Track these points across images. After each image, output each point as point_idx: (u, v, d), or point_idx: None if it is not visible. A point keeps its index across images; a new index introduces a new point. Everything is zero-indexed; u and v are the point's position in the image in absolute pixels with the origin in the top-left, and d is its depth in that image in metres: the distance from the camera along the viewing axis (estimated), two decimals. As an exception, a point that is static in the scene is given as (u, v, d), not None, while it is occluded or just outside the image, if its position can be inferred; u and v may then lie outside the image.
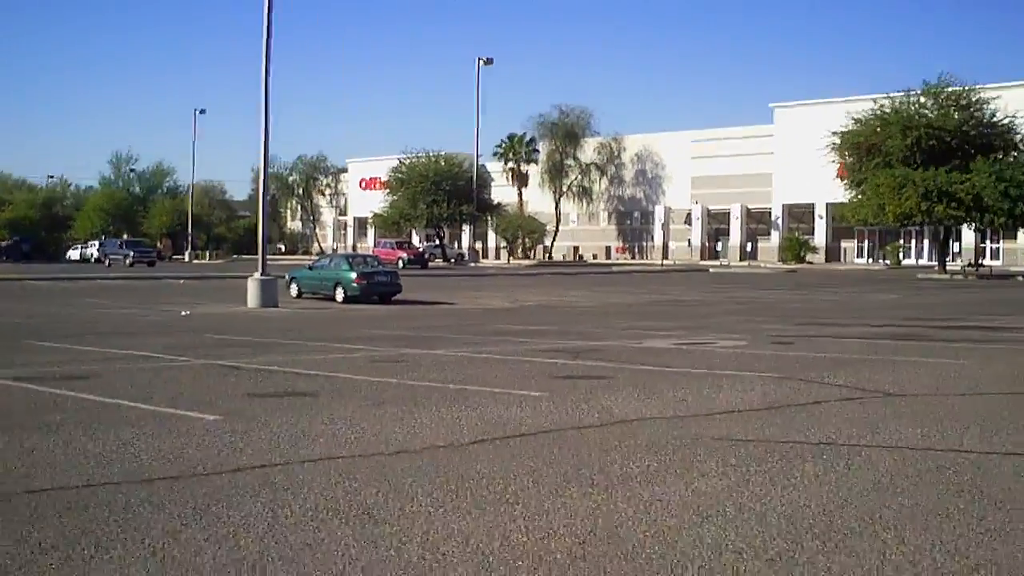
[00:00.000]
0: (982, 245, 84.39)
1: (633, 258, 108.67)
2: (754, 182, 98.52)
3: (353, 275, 40.99)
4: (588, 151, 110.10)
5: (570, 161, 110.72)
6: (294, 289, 43.58)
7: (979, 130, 67.31)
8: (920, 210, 63.12)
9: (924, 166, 64.99)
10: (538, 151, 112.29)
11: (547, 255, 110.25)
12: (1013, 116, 67.89)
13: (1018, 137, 68.41)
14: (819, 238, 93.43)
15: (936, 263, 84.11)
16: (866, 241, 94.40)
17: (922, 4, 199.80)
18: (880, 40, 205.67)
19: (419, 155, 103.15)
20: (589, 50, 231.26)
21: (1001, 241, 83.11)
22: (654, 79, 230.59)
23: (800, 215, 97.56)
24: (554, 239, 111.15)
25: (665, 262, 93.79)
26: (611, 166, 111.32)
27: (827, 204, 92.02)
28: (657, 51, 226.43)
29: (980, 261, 70.78)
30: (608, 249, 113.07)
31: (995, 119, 68.17)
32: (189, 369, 18.53)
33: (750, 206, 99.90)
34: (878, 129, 68.35)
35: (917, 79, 73.05)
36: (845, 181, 72.93)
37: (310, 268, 46.06)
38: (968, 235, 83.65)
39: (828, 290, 51.71)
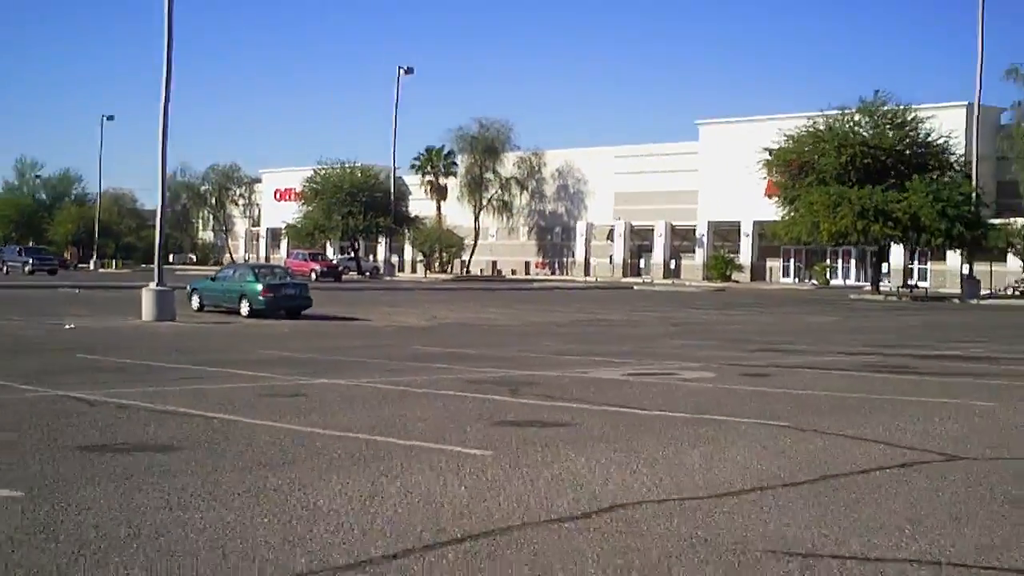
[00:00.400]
0: (910, 266, 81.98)
1: (553, 274, 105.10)
2: (679, 199, 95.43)
3: (259, 287, 37.47)
4: (508, 165, 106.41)
5: (490, 175, 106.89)
6: (195, 301, 39.87)
7: (914, 149, 64.77)
8: (856, 229, 60.12)
9: (859, 184, 62.06)
10: (457, 164, 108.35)
11: (465, 270, 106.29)
12: (948, 136, 65.51)
13: (953, 157, 65.90)
14: (745, 257, 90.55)
15: (867, 283, 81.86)
16: (792, 260, 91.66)
17: (852, 25, 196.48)
18: (807, 60, 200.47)
19: (335, 166, 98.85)
20: (511, 63, 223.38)
21: (929, 263, 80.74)
22: (577, 94, 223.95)
23: (725, 233, 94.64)
24: (472, 253, 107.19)
25: (587, 279, 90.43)
26: (532, 181, 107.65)
27: (754, 222, 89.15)
28: (580, 66, 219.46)
29: (915, 283, 68.09)
30: (527, 264, 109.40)
31: (930, 139, 65.67)
32: (23, 404, 14.28)
33: (674, 223, 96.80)
34: (812, 146, 65.49)
35: (846, 99, 69.29)
36: (776, 199, 69.82)
37: (213, 279, 42.10)
38: (897, 256, 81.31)
39: (763, 310, 48.49)
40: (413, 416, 13.35)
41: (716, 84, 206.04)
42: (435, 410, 14.01)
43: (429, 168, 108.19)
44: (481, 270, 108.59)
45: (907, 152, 64.27)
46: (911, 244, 63.35)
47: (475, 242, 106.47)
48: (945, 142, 65.06)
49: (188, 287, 41.02)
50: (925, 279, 79.89)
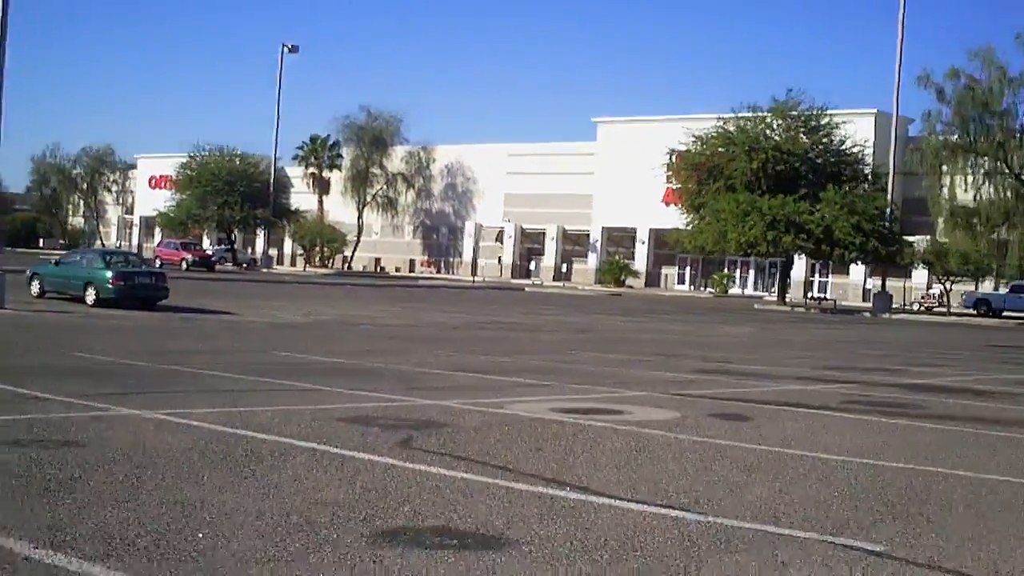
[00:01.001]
0: (811, 278, 78.11)
1: (439, 273, 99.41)
2: (573, 203, 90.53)
3: (108, 274, 33.36)
4: (396, 160, 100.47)
5: (376, 169, 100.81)
6: (35, 287, 35.40)
7: (827, 157, 60.42)
8: (766, 240, 55.61)
9: (770, 193, 57.62)
10: (342, 157, 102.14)
11: (346, 265, 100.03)
12: (863, 144, 61.45)
13: (867, 168, 61.72)
14: (640, 263, 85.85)
15: (765, 293, 77.75)
16: (688, 268, 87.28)
17: (763, 24, 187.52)
18: (716, 61, 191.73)
19: (212, 152, 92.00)
20: (402, 52, 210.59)
21: (830, 276, 76.87)
22: (472, 88, 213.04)
23: (619, 239, 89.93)
24: (355, 249, 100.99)
25: (475, 279, 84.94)
26: (419, 177, 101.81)
27: (650, 230, 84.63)
28: (476, 58, 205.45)
29: (822, 295, 63.79)
30: (412, 263, 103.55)
31: (843, 147, 61.43)
32: None
33: (567, 228, 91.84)
34: (721, 149, 60.85)
35: (757, 101, 63.88)
36: (678, 206, 65.05)
37: (56, 264, 37.00)
38: (798, 267, 77.32)
39: (671, 318, 43.61)
40: (230, 510, 7.63)
41: (618, 83, 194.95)
42: (277, 493, 8.28)
43: (313, 159, 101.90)
44: (364, 267, 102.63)
45: (819, 160, 59.89)
46: (823, 258, 58.89)
47: (358, 238, 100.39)
48: (860, 151, 60.89)
49: (28, 271, 36.72)
50: (826, 291, 76.09)
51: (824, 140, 60.92)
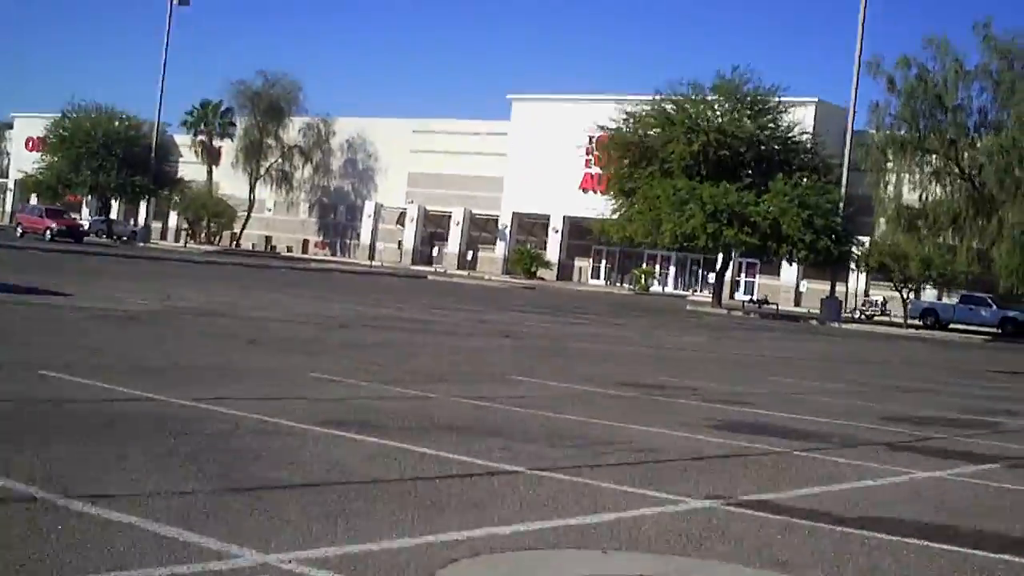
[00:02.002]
0: (737, 278, 70.74)
1: (334, 255, 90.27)
2: (482, 185, 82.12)
3: None
4: (293, 132, 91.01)
5: (271, 140, 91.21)
6: None
7: (773, 144, 52.55)
8: (705, 232, 47.71)
9: (711, 180, 49.79)
10: (235, 126, 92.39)
11: (235, 243, 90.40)
12: (817, 133, 54.03)
13: (816, 159, 54.13)
14: (552, 253, 77.77)
15: (688, 292, 70.15)
16: (604, 261, 79.42)
17: (694, 6, 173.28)
18: (642, 40, 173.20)
19: (88, 111, 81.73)
20: (304, 15, 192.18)
21: (758, 276, 69.59)
22: (377, 57, 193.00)
23: (531, 226, 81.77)
24: (244, 225, 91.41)
25: (372, 263, 76.14)
26: (317, 151, 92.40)
27: (564, 217, 76.62)
28: (382, 24, 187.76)
29: (764, 298, 56.21)
30: (306, 243, 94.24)
31: (791, 134, 53.76)
32: None
33: (475, 211, 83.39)
34: (655, 130, 52.73)
35: (688, 80, 54.90)
36: (609, 191, 56.68)
37: None
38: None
39: (602, 320, 35.59)
40: None
41: (537, 58, 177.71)
42: None
43: (203, 127, 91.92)
44: (253, 245, 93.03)
45: (765, 147, 52.10)
46: (768, 255, 51.02)
47: (248, 214, 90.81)
48: (813, 140, 53.27)
49: None
50: (753, 292, 68.76)
51: (771, 125, 53.17)
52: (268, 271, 53.91)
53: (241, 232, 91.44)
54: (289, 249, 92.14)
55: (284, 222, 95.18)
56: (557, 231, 76.87)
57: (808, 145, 53.33)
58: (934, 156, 62.67)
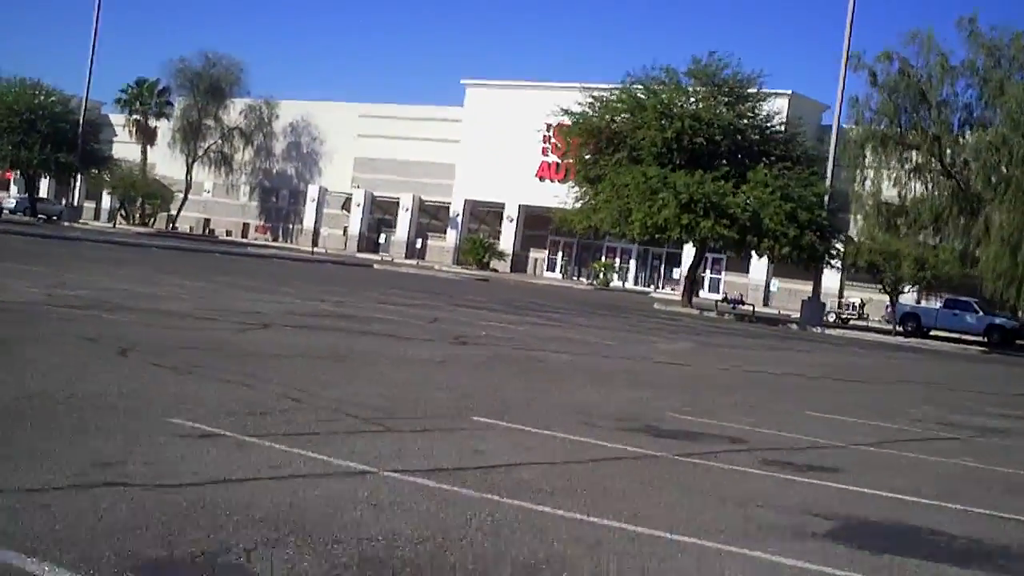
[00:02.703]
0: (702, 275, 65.99)
1: (276, 241, 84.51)
2: (432, 171, 76.80)
3: None
4: (234, 114, 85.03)
5: (211, 122, 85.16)
6: None
7: (751, 133, 47.50)
8: (679, 223, 42.68)
9: (684, 169, 44.74)
10: (173, 105, 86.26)
11: (171, 225, 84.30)
12: (800, 122, 49.16)
13: (799, 150, 49.12)
14: (506, 243, 72.53)
15: (650, 288, 65.39)
16: (560, 254, 74.32)
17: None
18: (605, 27, 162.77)
19: (10, 84, 75.43)
20: None
21: (724, 273, 64.83)
22: (323, 38, 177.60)
23: (484, 215, 76.51)
24: (181, 207, 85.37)
25: (315, 250, 70.60)
26: (260, 134, 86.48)
27: (520, 206, 71.43)
28: (330, 3, 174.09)
29: (738, 297, 51.10)
30: (246, 227, 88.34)
31: (771, 124, 48.78)
32: None
33: (425, 198, 77.93)
34: (625, 115, 47.57)
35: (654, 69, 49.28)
36: (574, 179, 51.40)
37: None
38: (687, 260, 65.06)
39: (568, 320, 30.47)
40: None
41: (492, 42, 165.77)
42: None
43: (138, 105, 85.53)
44: (191, 228, 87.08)
45: (741, 137, 47.08)
46: (745, 249, 45.97)
47: (185, 195, 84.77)
48: (793, 131, 48.33)
49: None
50: (718, 291, 64.03)
51: (750, 114, 48.25)
52: (198, 255, 48.30)
53: (177, 214, 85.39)
54: (228, 233, 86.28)
55: (223, 205, 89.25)
56: (512, 220, 71.66)
57: (788, 136, 48.42)
58: (915, 152, 58.31)
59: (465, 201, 73.88)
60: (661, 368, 21.37)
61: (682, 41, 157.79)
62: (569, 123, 49.80)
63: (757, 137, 47.78)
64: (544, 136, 69.48)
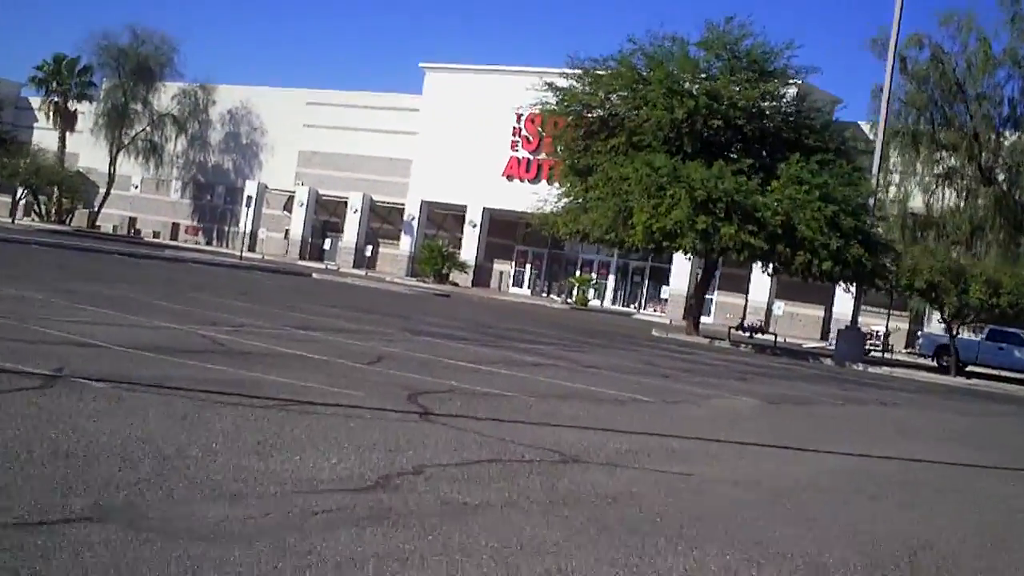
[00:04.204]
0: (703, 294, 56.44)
1: (209, 244, 74.02)
2: (386, 168, 66.78)
3: None
4: (165, 98, 74.49)
5: (139, 106, 74.60)
6: None
7: (782, 119, 37.42)
8: (694, 228, 32.91)
9: (700, 160, 34.88)
10: (96, 86, 75.62)
11: (92, 223, 73.61)
12: (841, 104, 39.50)
13: (836, 142, 39.09)
14: (468, 252, 62.44)
15: (634, 309, 55.78)
16: (528, 266, 64.32)
17: None
18: (583, 15, 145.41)
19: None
20: None
21: (717, 292, 55.09)
22: (266, 17, 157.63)
23: (442, 219, 66.44)
24: (102, 203, 74.76)
25: (248, 255, 60.38)
26: (194, 122, 75.91)
27: (484, 209, 61.48)
28: None
29: (760, 325, 40.99)
30: (176, 227, 77.81)
31: (803, 109, 38.67)
32: None
33: (376, 198, 67.77)
34: (621, 93, 37.40)
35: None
36: (560, 172, 40.99)
37: None
38: (680, 277, 55.34)
39: (567, 355, 20.63)
40: None
41: (455, 23, 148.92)
42: None
43: (56, 85, 74.77)
44: (115, 227, 76.42)
45: (769, 122, 37.11)
46: (776, 264, 36.10)
47: (108, 189, 74.12)
48: (832, 115, 38.32)
49: None
50: (709, 312, 54.35)
51: (774, 93, 38.03)
52: (91, 256, 38.11)
53: (98, 211, 74.75)
54: (156, 235, 75.66)
55: (152, 202, 78.57)
56: (475, 226, 61.58)
57: (824, 122, 38.51)
58: (947, 153, 49.29)
59: (422, 202, 63.74)
60: (748, 469, 11.51)
61: (674, 21, 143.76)
62: (546, 110, 39.74)
63: (788, 123, 37.89)
64: (514, 128, 59.68)
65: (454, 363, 17.42)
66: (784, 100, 37.62)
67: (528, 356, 21.08)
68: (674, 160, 34.36)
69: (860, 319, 51.40)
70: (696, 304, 39.69)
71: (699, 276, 42.40)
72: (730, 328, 40.03)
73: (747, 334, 39.31)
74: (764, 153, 35.78)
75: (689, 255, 37.37)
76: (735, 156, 35.92)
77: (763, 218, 33.18)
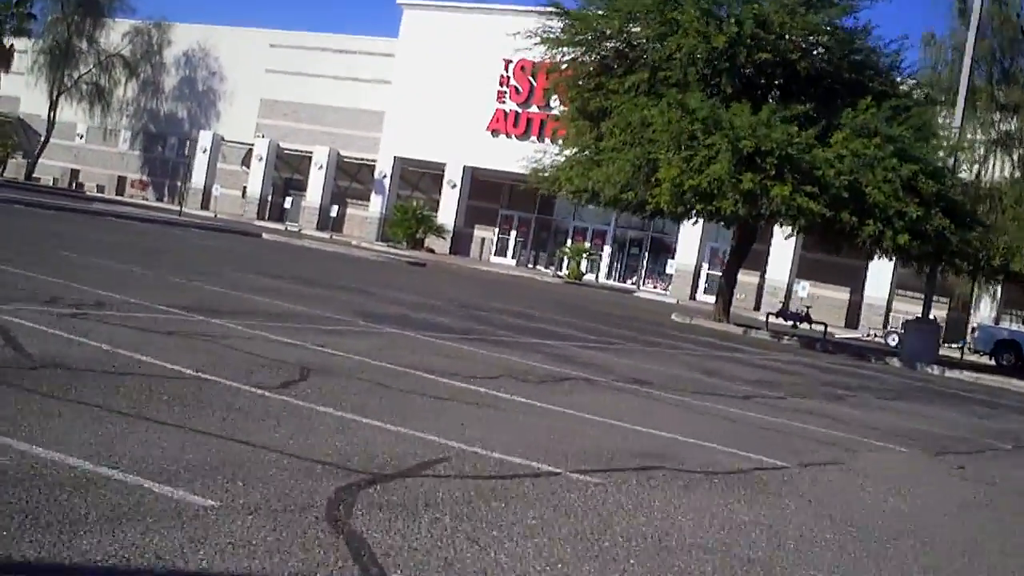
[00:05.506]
0: (709, 270, 49.10)
1: (160, 200, 66.10)
2: (357, 121, 59.08)
3: None
4: (115, 36, 66.45)
5: (84, 44, 66.47)
6: None
7: (841, 56, 29.59)
8: (737, 188, 25.48)
9: (742, 102, 27.37)
10: (36, 18, 67.46)
11: (28, 174, 65.59)
12: (903, 38, 31.82)
13: (905, 86, 31.47)
14: (446, 216, 54.50)
15: (634, 285, 48.63)
16: (513, 232, 56.71)
17: None
18: None
19: None
20: None
21: (722, 268, 47.74)
22: None
23: (418, 179, 58.73)
24: (39, 153, 66.74)
25: (199, 212, 52.77)
26: (146, 65, 67.90)
27: (465, 167, 53.85)
28: None
29: (806, 312, 33.12)
30: (122, 181, 69.85)
31: (863, 48, 30.76)
32: None
33: (344, 153, 60.03)
34: (651, 16, 29.60)
35: None
36: (564, 115, 33.13)
37: None
38: (689, 248, 48.04)
39: (625, 363, 13.60)
40: None
41: None
42: None
43: (-10, 17, 66.61)
44: (55, 180, 68.44)
45: (825, 59, 29.29)
46: (837, 237, 28.51)
47: (47, 137, 66.09)
48: (896, 54, 30.87)
49: None
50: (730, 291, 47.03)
51: (833, 24, 30.21)
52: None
53: (35, 161, 66.71)
54: (100, 189, 67.69)
55: (98, 154, 70.52)
56: (455, 186, 53.85)
57: (892, 62, 30.86)
58: (1009, 115, 42.08)
59: (395, 159, 55.92)
60: None
61: None
62: (548, 39, 32.06)
63: (859, 57, 30.27)
64: (502, 77, 52.06)
65: (431, 381, 10.09)
66: (840, 33, 30.04)
67: (543, 361, 13.65)
68: (714, 101, 26.86)
69: (895, 306, 44.32)
70: (728, 285, 32.19)
71: (725, 252, 34.52)
72: (768, 315, 32.65)
73: (791, 323, 31.94)
74: (818, 98, 28.32)
75: (721, 222, 30.05)
76: (780, 100, 28.40)
77: (824, 177, 25.75)
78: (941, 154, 28.30)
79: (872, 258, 31.60)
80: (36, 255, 16.77)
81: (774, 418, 12.22)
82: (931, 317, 29.88)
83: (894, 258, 30.20)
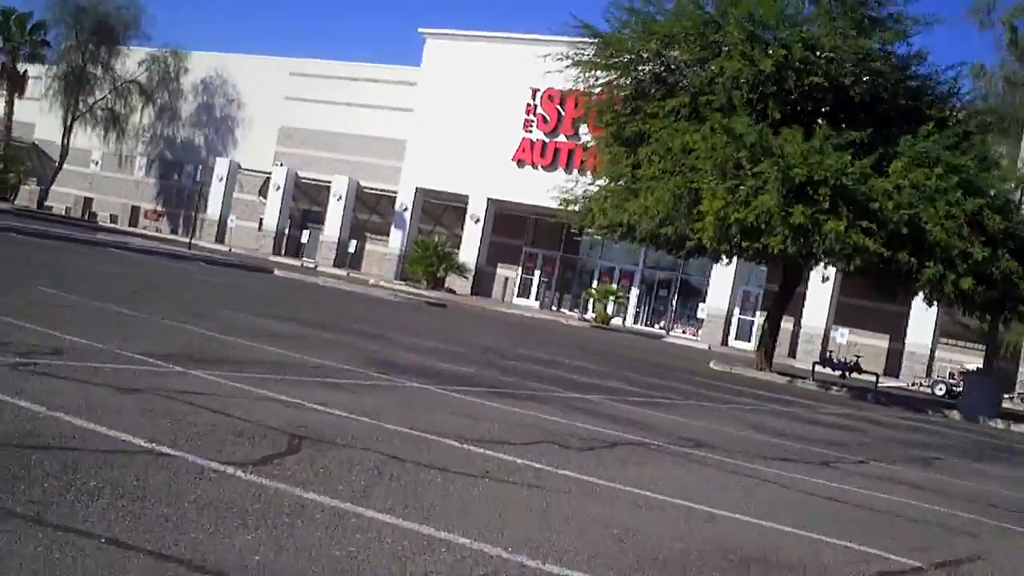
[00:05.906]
0: (744, 316, 46.88)
1: (175, 232, 64.39)
2: (377, 149, 57.28)
3: None
4: (131, 64, 65.02)
5: (98, 71, 65.09)
6: None
7: (896, 80, 27.32)
8: (787, 222, 23.31)
9: (791, 129, 25.23)
10: (50, 45, 66.07)
11: (40, 202, 64.04)
12: (961, 64, 29.82)
13: (962, 114, 29.14)
14: (468, 253, 52.34)
15: (662, 330, 46.56)
16: (537, 272, 54.60)
17: None
18: None
19: None
20: None
21: (757, 314, 45.38)
22: None
23: (440, 212, 56.84)
24: (52, 180, 65.27)
25: (218, 246, 50.97)
26: (163, 91, 66.49)
27: (489, 200, 51.95)
28: None
29: (856, 361, 30.75)
30: (136, 211, 68.22)
31: (919, 74, 28.40)
32: None
33: (364, 183, 58.23)
34: (691, 38, 27.33)
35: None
36: (597, 140, 30.94)
37: None
38: (721, 291, 45.81)
39: (693, 426, 11.55)
40: None
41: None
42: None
43: (3, 42, 65.13)
44: (68, 209, 66.95)
45: (882, 85, 27.01)
46: (894, 279, 26.13)
47: (60, 164, 64.69)
48: (954, 80, 28.56)
49: None
50: (748, 338, 44.87)
51: (885, 51, 27.94)
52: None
53: (48, 188, 65.19)
54: (113, 219, 66.14)
55: (113, 181, 68.97)
56: (478, 221, 51.91)
57: (950, 89, 28.56)
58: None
59: (417, 190, 54.05)
60: None
61: None
62: (582, 62, 30.07)
63: (915, 84, 28.09)
64: (528, 106, 50.23)
65: (456, 450, 8.01)
66: (895, 58, 27.96)
67: (584, 420, 11.57)
68: (762, 127, 24.80)
69: (939, 354, 42.15)
70: (771, 331, 29.91)
71: (758, 295, 32.12)
72: (814, 364, 30.39)
73: (840, 373, 29.73)
74: (872, 125, 26.21)
75: (764, 261, 27.90)
76: (828, 127, 26.27)
77: (883, 211, 23.61)
78: (1009, 186, 26.05)
79: (931, 304, 29.24)
80: (6, 290, 14.83)
81: (868, 491, 10.08)
82: (992, 369, 27.59)
83: (952, 303, 27.78)
